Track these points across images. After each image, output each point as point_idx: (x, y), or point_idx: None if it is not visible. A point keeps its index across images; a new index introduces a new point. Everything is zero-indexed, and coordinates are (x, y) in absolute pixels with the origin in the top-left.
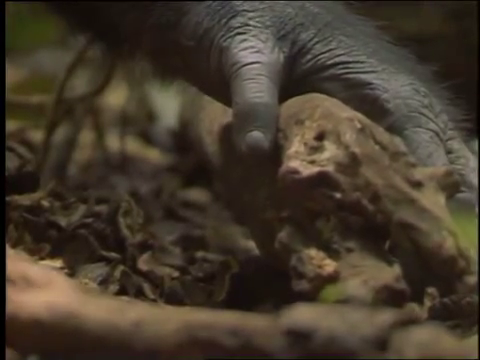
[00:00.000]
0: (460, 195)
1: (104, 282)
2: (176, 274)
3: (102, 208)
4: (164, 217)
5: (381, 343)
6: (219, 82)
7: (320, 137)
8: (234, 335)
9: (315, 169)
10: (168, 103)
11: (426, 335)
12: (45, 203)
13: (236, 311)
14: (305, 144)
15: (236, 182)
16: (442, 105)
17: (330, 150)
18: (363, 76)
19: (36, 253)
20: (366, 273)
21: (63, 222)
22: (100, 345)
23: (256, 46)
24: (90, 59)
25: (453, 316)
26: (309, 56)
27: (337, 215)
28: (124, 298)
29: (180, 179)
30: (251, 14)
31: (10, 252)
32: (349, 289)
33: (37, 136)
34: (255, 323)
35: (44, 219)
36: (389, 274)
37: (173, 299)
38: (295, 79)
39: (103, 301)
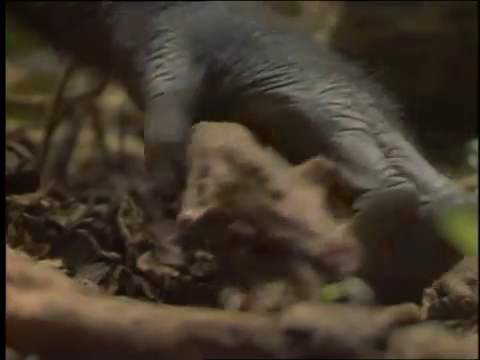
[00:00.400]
0: (400, 186)
1: (104, 282)
2: (176, 274)
3: (102, 208)
4: (164, 217)
5: (380, 343)
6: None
7: (203, 175)
8: (234, 334)
9: (203, 210)
10: None
11: (426, 335)
12: (45, 203)
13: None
14: (194, 186)
15: None
16: (372, 99)
17: (210, 186)
18: (283, 90)
19: (36, 253)
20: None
21: (63, 222)
22: (100, 344)
23: (171, 72)
24: None
25: (453, 316)
26: (230, 77)
27: (233, 246)
28: (124, 298)
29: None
30: (171, 34)
31: (10, 252)
32: (349, 288)
33: (37, 136)
34: (255, 322)
35: (44, 219)
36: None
37: (173, 299)
38: (219, 100)
39: (103, 300)
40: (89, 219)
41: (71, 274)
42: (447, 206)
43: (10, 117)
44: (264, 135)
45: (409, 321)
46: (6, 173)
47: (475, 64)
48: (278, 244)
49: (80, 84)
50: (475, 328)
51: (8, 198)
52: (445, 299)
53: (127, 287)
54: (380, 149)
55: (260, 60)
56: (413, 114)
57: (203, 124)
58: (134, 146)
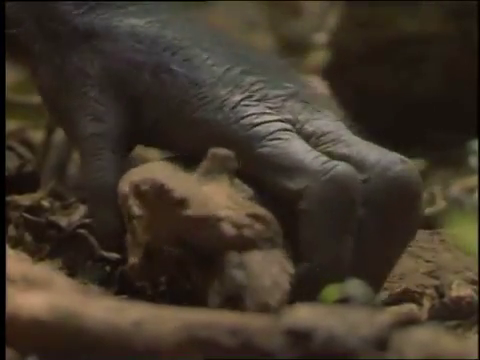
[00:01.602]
0: (335, 171)
1: (104, 282)
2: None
3: None
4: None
5: (381, 343)
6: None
7: (129, 219)
8: (234, 335)
9: (140, 251)
10: None
11: (426, 335)
12: (45, 203)
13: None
14: (129, 231)
15: None
16: (288, 91)
17: (137, 227)
18: (197, 114)
19: (36, 253)
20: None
21: (63, 222)
22: (100, 345)
23: (94, 113)
24: None
25: (453, 316)
26: (151, 104)
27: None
28: (124, 298)
29: None
30: (87, 71)
31: (10, 252)
32: (349, 289)
33: (37, 136)
34: (255, 323)
35: (44, 219)
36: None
37: (173, 299)
38: (143, 132)
39: (103, 301)
40: (89, 220)
41: (71, 274)
42: (386, 177)
43: (10, 117)
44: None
45: (409, 321)
46: (6, 173)
47: (475, 64)
48: (204, 246)
49: None
50: (475, 329)
51: (8, 198)
52: (445, 299)
53: (127, 287)
54: (308, 140)
55: (173, 85)
56: (413, 114)
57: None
58: None
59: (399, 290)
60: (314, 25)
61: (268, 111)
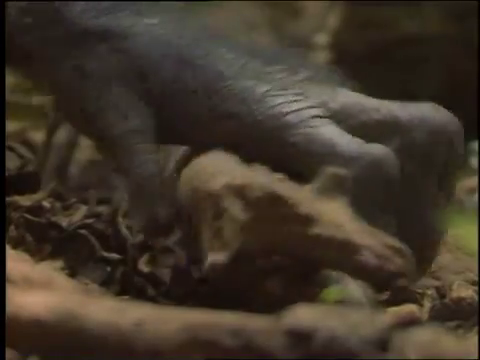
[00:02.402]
0: (376, 151)
1: (105, 282)
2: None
3: (103, 209)
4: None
5: (382, 343)
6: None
7: (216, 218)
8: (235, 335)
9: (227, 253)
10: None
11: (427, 336)
12: (46, 204)
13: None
14: (209, 230)
15: None
16: (309, 73)
17: (227, 227)
18: (223, 109)
19: (37, 254)
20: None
21: (64, 223)
22: (101, 345)
23: (122, 109)
24: None
25: (454, 317)
26: (171, 100)
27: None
28: (125, 298)
29: None
30: (113, 71)
31: (11, 253)
32: (349, 290)
33: (38, 137)
34: (256, 323)
35: (45, 220)
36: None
37: (174, 300)
38: (167, 127)
39: (104, 301)
40: (90, 220)
41: (72, 275)
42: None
43: (11, 118)
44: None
45: (410, 322)
46: (7, 174)
47: (475, 64)
48: (326, 267)
49: None
50: (476, 329)
51: (9, 199)
52: (446, 300)
53: (128, 288)
54: (338, 117)
55: (196, 78)
56: None
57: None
58: None
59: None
60: (314, 25)
61: (295, 99)
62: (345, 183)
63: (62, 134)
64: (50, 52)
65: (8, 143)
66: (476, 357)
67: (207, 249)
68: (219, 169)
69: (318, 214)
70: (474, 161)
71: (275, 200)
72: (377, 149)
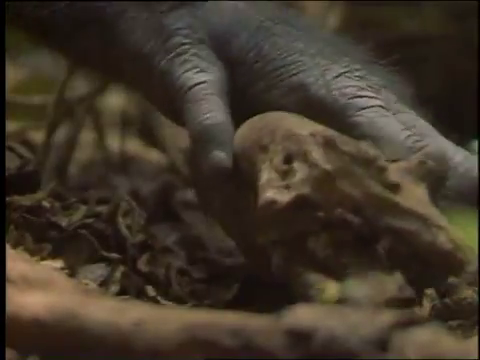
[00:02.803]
0: (429, 148)
1: (105, 282)
2: (177, 275)
3: (103, 208)
4: (164, 217)
5: (382, 343)
6: (165, 103)
7: (288, 160)
8: (235, 335)
9: (292, 194)
10: None
11: (427, 335)
12: (46, 203)
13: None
14: (275, 170)
15: (217, 208)
16: (384, 82)
17: (301, 171)
18: (296, 78)
19: (37, 253)
20: (370, 289)
21: (64, 222)
22: (100, 345)
23: (198, 65)
24: None
25: (454, 316)
26: (245, 67)
27: (325, 233)
28: (125, 298)
29: (180, 179)
30: (185, 31)
31: (11, 252)
32: (349, 289)
33: (38, 136)
34: (256, 323)
35: (45, 219)
36: (392, 285)
37: (174, 300)
38: (237, 92)
39: (103, 301)
40: (90, 220)
41: (72, 275)
42: (469, 178)
43: (11, 118)
44: None
45: (410, 322)
46: (7, 174)
47: (475, 65)
48: (391, 236)
49: (81, 85)
50: (476, 329)
51: (9, 199)
52: (446, 300)
53: (128, 288)
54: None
55: (273, 49)
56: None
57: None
58: (135, 147)
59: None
60: None
61: (369, 89)
62: (431, 173)
63: (62, 134)
64: (127, 17)
65: (8, 143)
66: (476, 357)
67: (266, 187)
68: (302, 120)
69: (402, 185)
70: None
71: (365, 157)
72: (432, 147)
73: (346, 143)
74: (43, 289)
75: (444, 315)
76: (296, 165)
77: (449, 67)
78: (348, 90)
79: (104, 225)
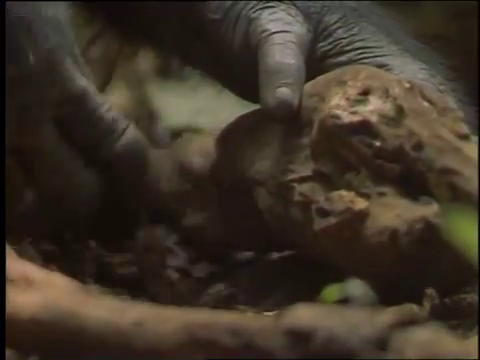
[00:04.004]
0: None
1: (105, 282)
2: (177, 275)
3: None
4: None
5: (381, 343)
6: (242, 57)
7: (365, 93)
8: (234, 335)
9: (358, 117)
10: (168, 103)
11: (427, 335)
12: None
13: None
14: (347, 99)
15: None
16: (456, 99)
17: (374, 103)
18: (379, 59)
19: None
20: (399, 209)
21: None
22: (100, 345)
23: (285, 18)
24: (90, 59)
25: (454, 316)
26: (330, 39)
27: (372, 165)
28: (124, 298)
29: None
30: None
31: (11, 252)
32: (350, 289)
33: None
34: (256, 323)
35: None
36: (427, 210)
37: (174, 299)
38: (313, 60)
39: (103, 301)
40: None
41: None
42: None
43: None
44: None
45: (410, 321)
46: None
47: (475, 64)
48: (442, 176)
49: None
50: (476, 329)
51: None
52: (446, 300)
53: (128, 288)
54: None
55: (364, 31)
56: None
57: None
58: None
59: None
60: None
61: (444, 92)
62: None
63: None
64: None
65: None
66: (476, 357)
67: (331, 107)
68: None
69: (471, 141)
70: None
71: (444, 107)
72: None
73: (430, 92)
74: (43, 289)
75: (444, 315)
76: (371, 97)
77: (449, 67)
78: (428, 85)
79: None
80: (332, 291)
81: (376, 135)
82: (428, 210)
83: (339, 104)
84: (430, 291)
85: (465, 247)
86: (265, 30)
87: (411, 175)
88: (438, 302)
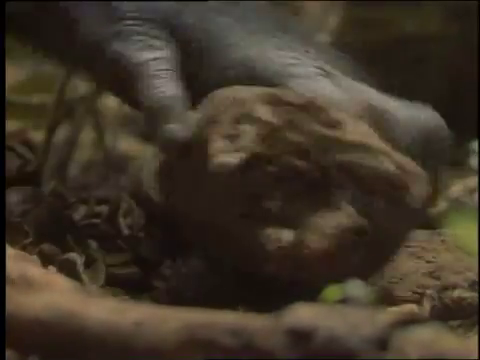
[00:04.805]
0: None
1: (105, 283)
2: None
3: (103, 208)
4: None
5: (382, 343)
6: (119, 86)
7: (235, 122)
8: (235, 335)
9: (242, 155)
10: None
11: (428, 335)
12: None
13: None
14: (223, 137)
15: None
16: (325, 56)
17: (249, 132)
18: (240, 55)
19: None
20: (322, 223)
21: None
22: (101, 345)
23: (149, 43)
24: None
25: (454, 316)
26: (193, 45)
27: (278, 187)
28: (124, 299)
29: None
30: (135, 14)
31: (11, 252)
32: (351, 289)
33: (38, 136)
34: (256, 323)
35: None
36: (345, 217)
37: (175, 299)
38: (190, 69)
39: (104, 301)
40: (90, 220)
41: None
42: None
43: (11, 118)
44: None
45: (411, 321)
46: (7, 174)
47: (475, 64)
48: (338, 170)
49: (81, 85)
50: (476, 329)
51: None
52: (446, 300)
53: (128, 288)
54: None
55: (217, 28)
56: None
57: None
58: (135, 147)
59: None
60: (314, 25)
61: (303, 57)
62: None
63: (62, 134)
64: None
65: (8, 143)
66: (477, 357)
67: (217, 152)
68: (250, 88)
69: (347, 122)
70: (474, 161)
71: (305, 103)
72: (369, 99)
73: (288, 95)
74: (43, 289)
75: (444, 315)
76: (243, 127)
77: (449, 67)
78: (280, 59)
79: (105, 225)
80: (332, 291)
81: (267, 162)
82: (344, 217)
83: (218, 146)
84: (430, 291)
85: (465, 247)
86: (133, 64)
87: (316, 182)
88: (438, 303)
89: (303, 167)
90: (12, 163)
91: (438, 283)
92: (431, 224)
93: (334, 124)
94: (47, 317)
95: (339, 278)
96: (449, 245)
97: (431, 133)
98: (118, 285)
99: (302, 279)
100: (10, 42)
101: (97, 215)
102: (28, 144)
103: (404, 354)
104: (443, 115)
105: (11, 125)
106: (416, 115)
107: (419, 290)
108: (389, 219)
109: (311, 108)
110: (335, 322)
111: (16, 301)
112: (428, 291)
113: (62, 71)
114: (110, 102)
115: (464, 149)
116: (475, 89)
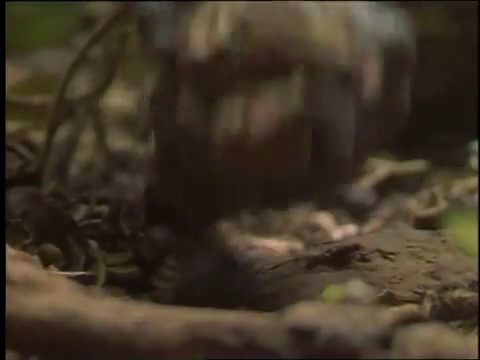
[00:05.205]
0: None
1: (106, 283)
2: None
3: (103, 209)
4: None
5: (384, 341)
6: None
7: (213, 17)
8: (237, 334)
9: (211, 49)
10: None
11: (429, 333)
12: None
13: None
14: (201, 25)
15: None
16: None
17: (222, 27)
18: None
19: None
20: (266, 113)
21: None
22: (103, 345)
23: None
24: (92, 59)
25: (454, 317)
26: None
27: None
28: (126, 298)
29: None
30: None
31: (12, 253)
32: (352, 289)
33: (38, 137)
34: (258, 322)
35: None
36: (286, 106)
37: (175, 299)
38: None
39: (105, 301)
40: (90, 220)
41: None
42: None
43: (11, 118)
44: None
45: (413, 320)
46: (7, 174)
47: (476, 65)
48: (309, 62)
49: (82, 85)
50: (476, 329)
51: None
52: (447, 300)
53: (129, 288)
54: None
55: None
56: (414, 115)
57: None
58: (135, 147)
59: (383, 294)
60: None
61: None
62: None
63: (62, 134)
64: None
65: (8, 143)
66: (477, 357)
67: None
68: None
69: (314, 20)
70: (474, 162)
71: (284, 5)
72: None
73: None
74: (45, 290)
75: (444, 315)
76: (220, 21)
77: (449, 67)
78: None
79: (105, 225)
80: (333, 291)
81: (234, 56)
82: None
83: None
84: (430, 292)
85: (465, 247)
86: None
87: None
88: (439, 303)
89: (266, 59)
90: (12, 163)
91: (438, 283)
92: (432, 224)
93: (305, 21)
94: (49, 317)
95: (283, 170)
96: (449, 245)
97: (397, 42)
98: (119, 285)
99: (248, 170)
100: (11, 42)
101: (97, 215)
102: (28, 144)
103: (407, 352)
104: (443, 116)
105: (11, 125)
106: (385, 23)
107: (419, 290)
108: (338, 111)
109: (288, 9)
110: (337, 320)
111: (18, 302)
112: (428, 291)
113: (62, 71)
114: (110, 102)
115: (464, 150)
116: (475, 89)
